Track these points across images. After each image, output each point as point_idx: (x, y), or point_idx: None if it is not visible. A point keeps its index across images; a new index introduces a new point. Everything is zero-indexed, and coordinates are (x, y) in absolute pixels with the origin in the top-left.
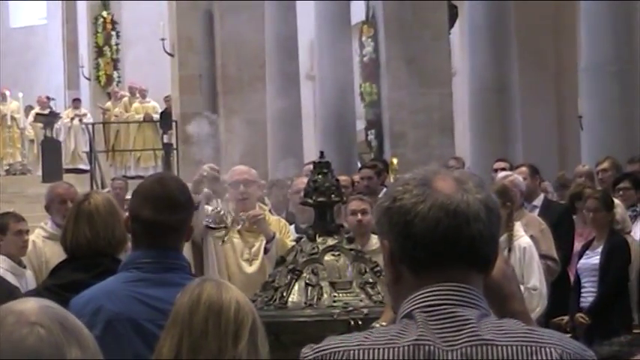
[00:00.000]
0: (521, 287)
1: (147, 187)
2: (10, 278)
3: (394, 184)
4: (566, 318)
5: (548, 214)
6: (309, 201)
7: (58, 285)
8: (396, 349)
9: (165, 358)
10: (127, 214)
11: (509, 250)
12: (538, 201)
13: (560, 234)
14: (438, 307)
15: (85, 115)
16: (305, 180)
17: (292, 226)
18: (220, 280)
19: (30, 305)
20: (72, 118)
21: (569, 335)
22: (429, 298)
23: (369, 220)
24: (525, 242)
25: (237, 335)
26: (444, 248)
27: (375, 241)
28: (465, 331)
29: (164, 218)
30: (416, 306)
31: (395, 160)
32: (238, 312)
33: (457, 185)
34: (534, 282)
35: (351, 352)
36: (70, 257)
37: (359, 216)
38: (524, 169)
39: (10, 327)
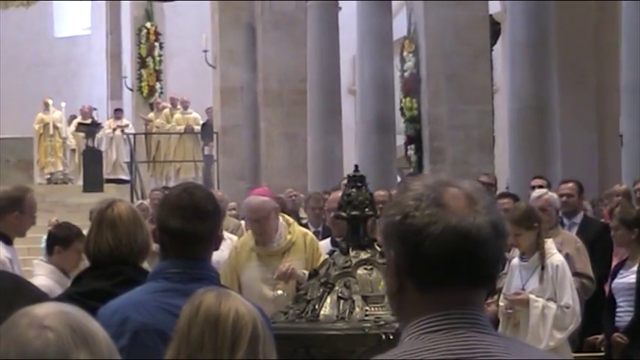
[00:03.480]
0: (554, 305)
1: (174, 197)
2: (58, 290)
3: (404, 194)
4: (600, 337)
5: (586, 232)
6: (343, 214)
7: (80, 293)
8: None
9: None
10: (153, 225)
11: (542, 268)
12: (578, 218)
13: (598, 252)
14: (450, 330)
15: (126, 125)
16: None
17: (328, 240)
18: (224, 289)
19: (46, 309)
20: (114, 129)
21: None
22: (438, 323)
23: None
24: (558, 260)
25: (234, 346)
26: (452, 271)
27: None
28: (479, 352)
29: (193, 228)
30: (424, 330)
31: None
32: (237, 322)
33: (469, 205)
34: (567, 300)
35: None
36: (93, 265)
37: None
38: (571, 184)
39: (20, 329)
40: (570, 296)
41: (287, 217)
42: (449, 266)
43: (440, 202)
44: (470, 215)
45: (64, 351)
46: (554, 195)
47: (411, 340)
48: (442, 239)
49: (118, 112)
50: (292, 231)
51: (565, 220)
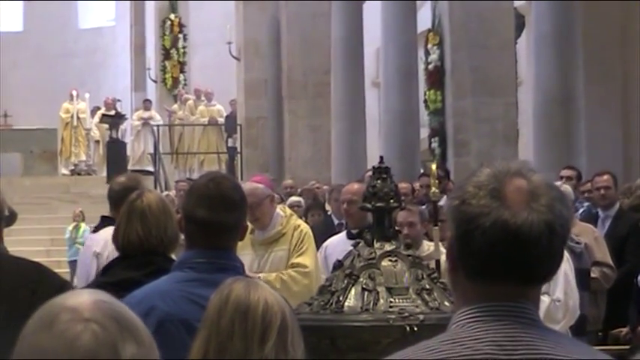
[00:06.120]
0: (547, 298)
1: (201, 186)
2: None
3: (470, 179)
4: (625, 329)
5: (621, 224)
6: (368, 206)
7: (110, 283)
8: None
9: (192, 359)
10: (178, 215)
11: None
12: (612, 211)
13: (631, 245)
14: (495, 321)
15: (150, 118)
16: (354, 187)
17: (344, 232)
18: (252, 279)
19: (84, 299)
20: (143, 123)
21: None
22: (485, 313)
23: (417, 231)
24: None
25: (264, 336)
26: (498, 266)
27: (426, 247)
28: (523, 344)
29: (219, 218)
30: (471, 319)
31: (434, 167)
32: (266, 312)
33: (528, 201)
34: (558, 294)
35: None
36: (122, 255)
37: (405, 230)
38: (606, 177)
39: (64, 324)
40: (562, 290)
41: (287, 209)
42: (495, 261)
43: (498, 194)
44: (525, 211)
45: (112, 344)
46: (568, 187)
47: (458, 328)
48: (490, 232)
49: (146, 103)
50: (286, 223)
51: (600, 213)
